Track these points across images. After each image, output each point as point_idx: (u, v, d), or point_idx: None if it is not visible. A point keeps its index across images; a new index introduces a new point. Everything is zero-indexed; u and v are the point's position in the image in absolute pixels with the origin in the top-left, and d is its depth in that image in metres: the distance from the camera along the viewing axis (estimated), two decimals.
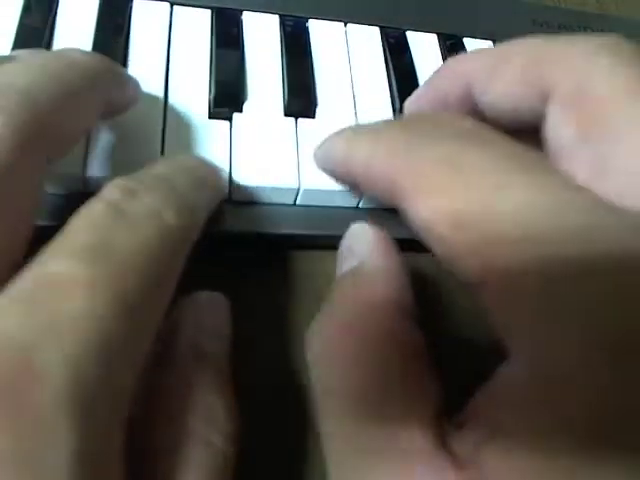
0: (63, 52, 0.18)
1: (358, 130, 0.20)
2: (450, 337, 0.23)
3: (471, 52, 0.22)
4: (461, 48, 0.30)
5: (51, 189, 0.21)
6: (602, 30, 0.34)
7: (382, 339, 0.16)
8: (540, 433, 0.12)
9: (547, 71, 0.18)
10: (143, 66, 0.24)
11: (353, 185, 0.20)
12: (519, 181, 0.14)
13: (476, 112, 0.20)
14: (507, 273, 0.13)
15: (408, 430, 0.14)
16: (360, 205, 0.24)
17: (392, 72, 0.28)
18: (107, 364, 0.12)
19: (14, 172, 0.13)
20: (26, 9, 0.24)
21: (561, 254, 0.13)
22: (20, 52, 0.18)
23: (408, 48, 0.29)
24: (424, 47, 0.30)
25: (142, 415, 0.15)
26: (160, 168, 0.17)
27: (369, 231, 0.19)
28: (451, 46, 0.30)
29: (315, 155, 0.22)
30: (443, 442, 0.14)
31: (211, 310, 0.18)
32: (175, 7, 0.26)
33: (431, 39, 0.30)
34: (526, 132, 0.18)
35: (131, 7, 0.26)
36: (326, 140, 0.21)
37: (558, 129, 0.17)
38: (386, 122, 0.20)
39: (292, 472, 0.20)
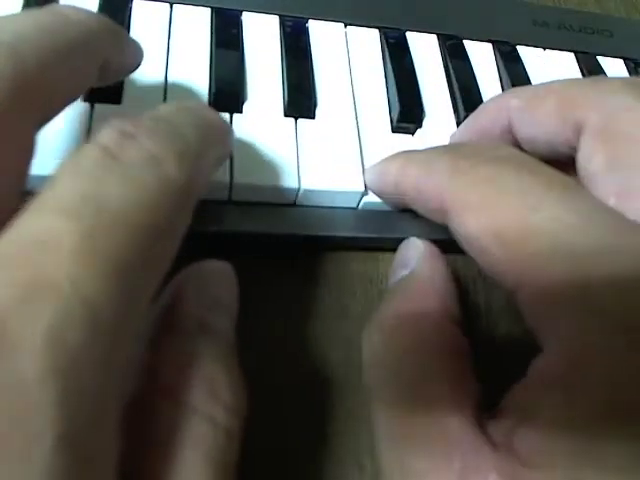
0: (57, 7, 0.16)
1: (410, 155, 0.22)
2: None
3: (512, 90, 0.25)
4: (461, 48, 0.30)
5: None
6: (602, 30, 0.34)
7: (433, 337, 0.18)
8: (569, 413, 0.14)
9: (579, 107, 0.20)
10: (143, 65, 0.24)
11: (404, 205, 0.23)
12: (551, 200, 0.16)
13: (515, 145, 0.23)
14: (541, 281, 0.16)
15: (451, 416, 0.16)
16: (360, 206, 0.24)
17: (392, 73, 0.28)
18: (94, 333, 0.11)
19: (3, 129, 0.13)
20: (26, 8, 0.24)
21: (590, 267, 0.15)
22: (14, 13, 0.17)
23: (408, 48, 0.29)
24: (424, 47, 0.30)
25: (141, 388, 0.14)
26: (164, 110, 0.16)
27: (420, 244, 0.22)
28: (451, 46, 0.30)
29: (367, 177, 0.24)
30: (481, 429, 0.15)
31: (217, 280, 0.17)
32: (175, 7, 0.26)
33: (431, 39, 0.30)
34: (560, 163, 0.21)
35: (131, 6, 0.26)
36: (379, 164, 0.23)
37: (589, 158, 0.20)
38: (434, 148, 0.23)
39: (292, 472, 0.20)
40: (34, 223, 0.11)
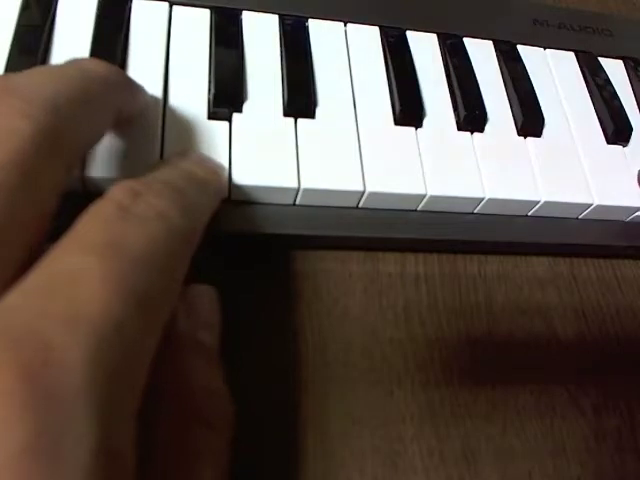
0: (81, 62, 0.18)
1: None
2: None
3: None
4: (461, 47, 0.30)
5: None
6: (602, 29, 0.34)
7: None
8: None
9: None
10: (142, 66, 0.24)
11: None
12: None
13: None
14: None
15: None
16: (360, 205, 0.24)
17: (392, 72, 0.28)
18: (122, 355, 0.12)
19: (38, 175, 0.14)
20: (25, 7, 0.24)
21: None
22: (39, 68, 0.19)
23: (408, 47, 0.29)
24: (424, 47, 0.30)
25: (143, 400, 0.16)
26: (163, 171, 0.18)
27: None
28: (451, 45, 0.30)
29: None
30: None
31: (203, 301, 0.19)
32: (174, 7, 0.26)
33: (431, 39, 0.30)
34: None
35: (130, 6, 0.26)
36: None
37: None
38: None
39: (291, 472, 0.20)
40: (65, 260, 0.13)
